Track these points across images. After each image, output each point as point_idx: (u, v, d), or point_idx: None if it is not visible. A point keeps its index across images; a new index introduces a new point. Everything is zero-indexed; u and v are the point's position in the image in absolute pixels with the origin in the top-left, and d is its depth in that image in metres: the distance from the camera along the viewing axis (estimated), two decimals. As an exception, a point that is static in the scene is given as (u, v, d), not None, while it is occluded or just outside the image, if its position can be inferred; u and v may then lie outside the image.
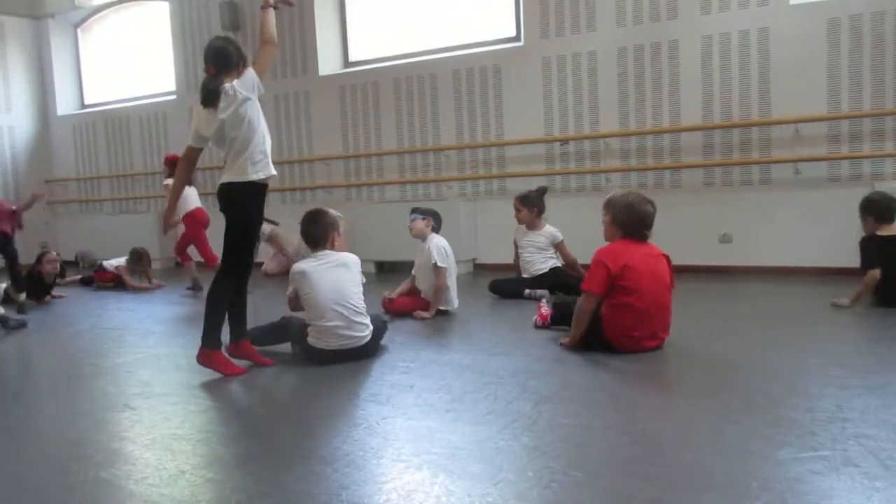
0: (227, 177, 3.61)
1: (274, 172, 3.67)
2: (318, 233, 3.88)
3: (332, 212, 4.01)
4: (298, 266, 3.83)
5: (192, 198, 6.78)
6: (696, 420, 2.69)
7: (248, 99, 3.53)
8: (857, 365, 3.27)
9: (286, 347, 4.08)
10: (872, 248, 4.61)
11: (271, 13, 3.59)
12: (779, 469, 2.16)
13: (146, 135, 10.03)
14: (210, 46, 3.65)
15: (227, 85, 3.53)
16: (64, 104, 10.92)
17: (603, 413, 2.84)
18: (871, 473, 2.10)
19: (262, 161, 3.58)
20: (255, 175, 3.57)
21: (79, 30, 10.95)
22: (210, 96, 3.58)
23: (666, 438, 2.56)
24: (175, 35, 9.58)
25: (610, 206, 3.80)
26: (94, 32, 10.88)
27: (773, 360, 3.47)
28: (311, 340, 3.79)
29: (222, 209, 3.65)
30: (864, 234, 4.74)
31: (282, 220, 8.64)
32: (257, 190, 3.64)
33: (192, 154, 3.80)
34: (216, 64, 3.60)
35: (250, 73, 3.54)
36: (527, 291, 5.55)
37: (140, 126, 10.07)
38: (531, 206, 5.73)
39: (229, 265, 3.70)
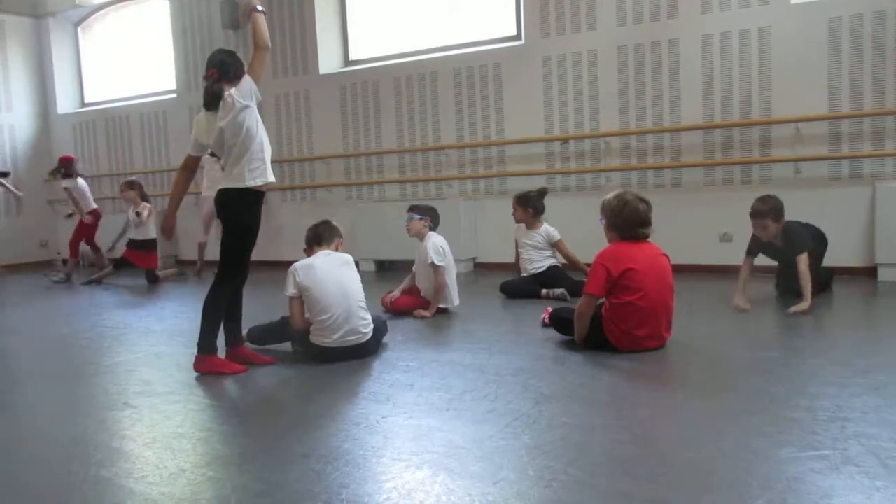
0: (225, 183, 3.64)
1: (272, 179, 3.67)
2: (327, 233, 3.93)
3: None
4: (305, 261, 3.83)
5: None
6: (696, 419, 2.69)
7: (246, 107, 3.53)
8: (857, 364, 3.27)
9: (286, 346, 4.09)
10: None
11: (262, 18, 3.58)
12: (779, 468, 2.16)
13: (146, 133, 10.02)
14: (214, 56, 3.68)
15: (225, 93, 3.55)
16: (64, 103, 10.91)
17: (603, 412, 2.84)
18: (872, 472, 2.10)
19: (259, 168, 3.59)
20: (252, 182, 3.58)
21: (79, 28, 10.94)
22: (213, 99, 3.61)
23: (666, 437, 2.56)
24: (175, 34, 9.57)
25: (604, 209, 3.81)
26: (95, 31, 10.87)
27: (774, 360, 3.47)
28: (312, 338, 3.79)
29: (219, 215, 3.68)
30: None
31: (282, 219, 8.67)
32: (254, 197, 3.64)
33: (192, 162, 3.85)
34: (219, 70, 3.62)
35: (247, 80, 3.54)
36: (544, 291, 5.53)
37: (140, 125, 10.06)
38: (526, 206, 5.73)
39: (226, 271, 3.71)
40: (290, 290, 3.78)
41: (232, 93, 3.52)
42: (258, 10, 3.57)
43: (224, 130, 3.55)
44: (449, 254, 5.03)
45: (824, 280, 5.18)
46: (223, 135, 3.57)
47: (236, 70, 3.59)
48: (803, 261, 4.56)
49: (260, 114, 3.68)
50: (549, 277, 5.61)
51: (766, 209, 4.77)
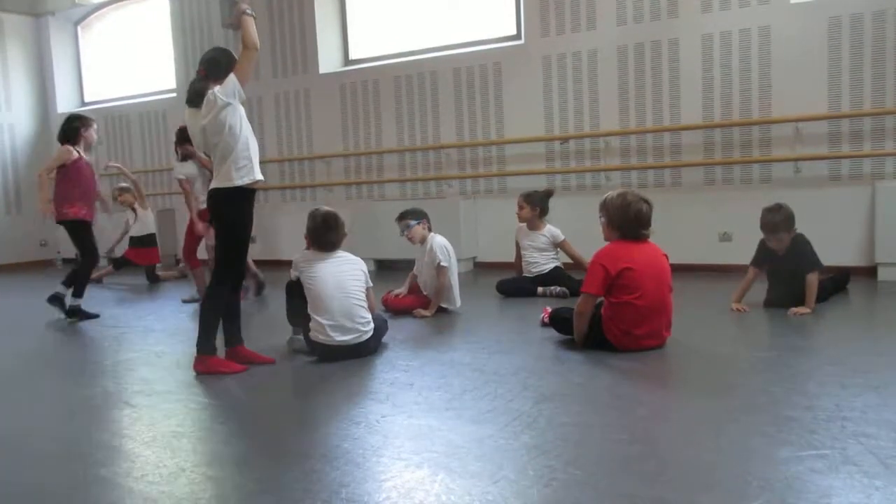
0: (215, 183, 3.66)
1: (260, 177, 3.68)
2: (335, 239, 3.93)
3: (339, 213, 4.06)
4: (306, 257, 3.89)
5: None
6: (696, 418, 2.70)
7: (228, 105, 3.53)
8: (856, 364, 3.27)
9: (285, 347, 4.09)
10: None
11: (251, 20, 3.58)
12: (779, 467, 2.16)
13: (146, 133, 10.02)
14: (206, 53, 3.74)
15: (209, 91, 3.55)
16: (64, 102, 10.90)
17: (603, 411, 2.85)
18: (871, 472, 2.10)
19: (246, 166, 3.60)
20: (240, 181, 3.59)
21: (79, 27, 10.94)
22: (195, 96, 3.63)
23: (666, 437, 2.56)
24: (175, 33, 9.57)
25: (605, 207, 3.80)
26: (95, 30, 10.87)
27: (774, 359, 3.47)
28: (312, 335, 3.80)
29: (212, 216, 3.70)
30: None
31: (282, 219, 8.67)
32: (244, 195, 3.65)
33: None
34: (207, 68, 3.65)
35: (231, 79, 3.55)
36: (540, 289, 5.54)
37: (140, 124, 10.06)
38: (534, 205, 5.73)
39: (223, 271, 3.73)
40: (293, 275, 3.91)
41: (215, 90, 3.54)
42: (247, 13, 3.58)
43: (206, 129, 3.58)
44: (452, 254, 5.04)
45: (840, 281, 5.15)
46: (205, 133, 3.59)
47: (226, 68, 3.59)
48: (814, 277, 4.48)
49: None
50: (553, 279, 5.61)
51: (780, 220, 4.52)
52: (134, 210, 7.92)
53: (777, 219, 4.53)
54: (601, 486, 2.11)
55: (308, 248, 3.98)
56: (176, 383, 3.55)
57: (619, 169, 6.86)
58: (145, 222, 7.94)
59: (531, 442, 2.48)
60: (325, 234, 3.91)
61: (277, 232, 8.60)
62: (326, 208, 4.05)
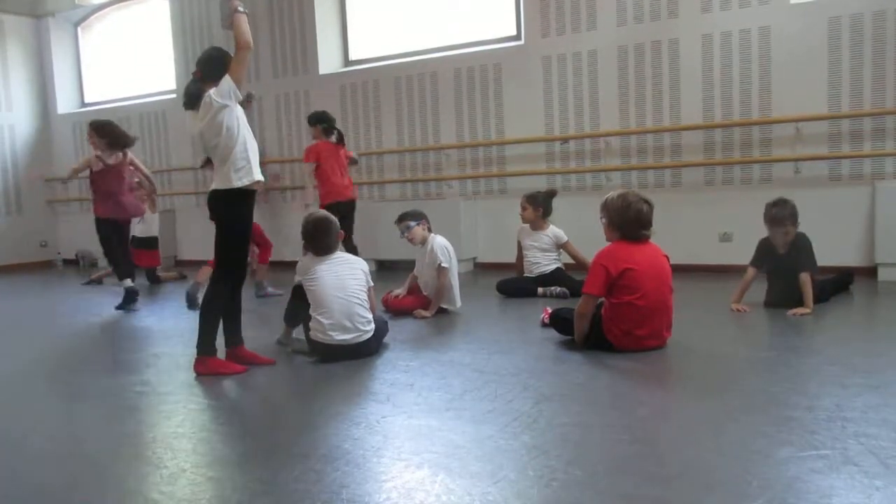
0: (214, 184, 3.66)
1: (259, 178, 3.67)
2: (332, 242, 3.94)
3: (330, 215, 4.08)
4: (307, 262, 3.90)
5: None
6: (696, 419, 2.70)
7: (224, 107, 3.52)
8: (857, 364, 3.27)
9: (284, 347, 4.10)
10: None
11: (244, 18, 3.56)
12: (779, 468, 2.16)
13: (146, 133, 10.00)
14: (203, 54, 3.72)
15: (205, 94, 3.54)
16: (64, 103, 10.90)
17: (603, 412, 2.85)
18: (872, 472, 2.10)
19: (244, 168, 3.59)
20: (239, 182, 3.58)
21: (79, 28, 10.93)
22: (191, 99, 3.63)
23: (666, 437, 2.56)
24: (175, 33, 9.57)
25: (605, 208, 3.80)
26: (95, 31, 10.87)
27: (774, 359, 3.47)
28: (312, 335, 3.80)
29: (211, 217, 3.70)
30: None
31: (282, 219, 8.66)
32: (244, 196, 3.65)
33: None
34: (203, 69, 3.63)
35: (226, 80, 3.53)
36: (540, 290, 5.54)
37: (140, 124, 10.05)
38: (537, 206, 5.74)
39: (222, 271, 3.73)
40: (296, 280, 3.94)
41: (211, 93, 3.52)
42: (239, 11, 3.56)
43: (203, 132, 3.57)
44: (453, 255, 5.04)
45: (842, 282, 5.15)
46: (203, 136, 3.59)
47: (223, 68, 3.57)
48: (807, 276, 4.50)
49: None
50: (554, 280, 5.61)
51: (787, 214, 4.58)
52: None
53: (783, 213, 4.58)
54: (601, 486, 2.11)
55: (306, 253, 4.00)
56: (176, 384, 3.54)
57: (619, 169, 6.85)
58: (150, 224, 7.92)
59: (531, 442, 2.48)
60: (319, 240, 3.91)
61: (278, 232, 8.58)
62: (318, 213, 4.05)
